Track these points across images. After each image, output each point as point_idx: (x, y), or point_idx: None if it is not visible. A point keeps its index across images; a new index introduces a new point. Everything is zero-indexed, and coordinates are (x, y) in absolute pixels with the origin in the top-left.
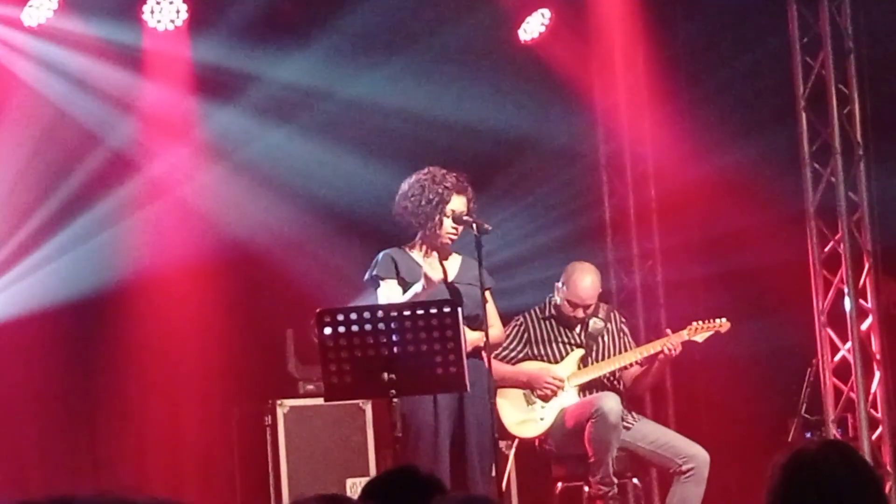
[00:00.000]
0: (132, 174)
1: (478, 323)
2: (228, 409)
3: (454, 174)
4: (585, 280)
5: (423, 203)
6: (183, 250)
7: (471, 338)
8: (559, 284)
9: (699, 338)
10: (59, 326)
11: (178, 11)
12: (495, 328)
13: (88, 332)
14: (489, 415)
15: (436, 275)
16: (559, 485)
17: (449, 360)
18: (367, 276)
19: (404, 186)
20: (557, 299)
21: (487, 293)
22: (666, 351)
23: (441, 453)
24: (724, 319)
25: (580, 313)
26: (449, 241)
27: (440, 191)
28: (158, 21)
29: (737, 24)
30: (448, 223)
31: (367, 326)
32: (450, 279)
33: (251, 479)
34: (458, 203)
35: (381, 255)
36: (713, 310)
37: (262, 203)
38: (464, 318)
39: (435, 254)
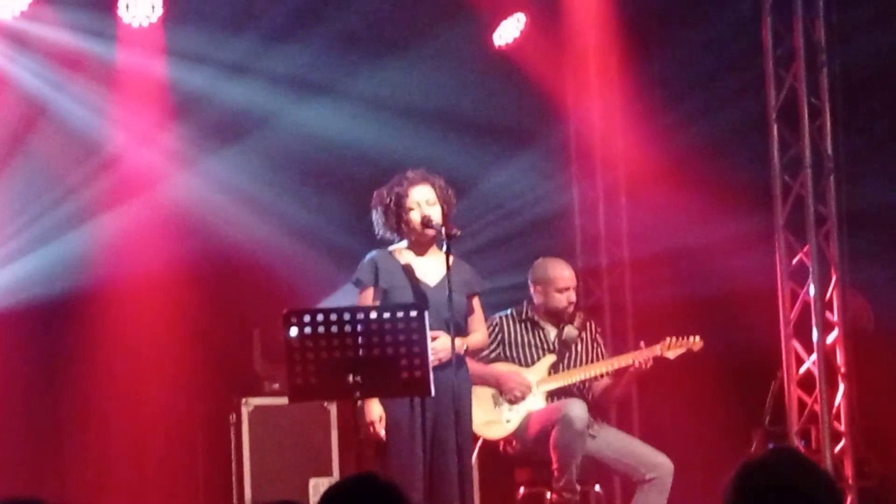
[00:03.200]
0: (101, 173)
1: (460, 330)
2: (193, 407)
3: (408, 170)
4: (559, 264)
5: (386, 215)
6: (151, 248)
7: (455, 345)
8: (535, 287)
9: (671, 354)
10: (23, 324)
11: (153, 7)
12: (479, 333)
13: (53, 328)
14: (467, 421)
15: (433, 278)
16: (521, 489)
17: (414, 363)
18: (353, 278)
19: (372, 214)
20: (536, 300)
21: (476, 298)
22: (637, 365)
23: (416, 455)
24: (697, 338)
25: (572, 296)
26: (430, 234)
27: (396, 190)
28: (133, 17)
29: (712, 43)
30: (416, 214)
31: (334, 328)
32: (436, 282)
33: (214, 477)
34: (420, 193)
35: (366, 258)
36: (680, 319)
37: (231, 202)
38: (451, 325)
39: (420, 257)
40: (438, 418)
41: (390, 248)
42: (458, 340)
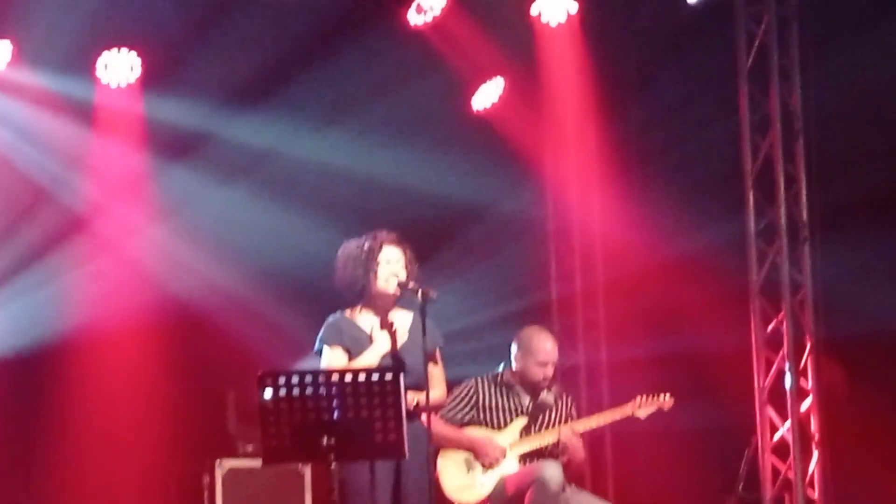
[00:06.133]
0: (79, 229)
1: (420, 389)
2: (167, 467)
3: (382, 230)
4: (546, 339)
5: (354, 266)
6: (127, 307)
7: (409, 398)
8: (517, 353)
9: (642, 414)
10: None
11: (131, 68)
12: (438, 390)
13: (29, 385)
14: (427, 481)
15: (383, 346)
16: None
17: (388, 426)
18: (317, 344)
19: (336, 262)
20: (515, 366)
21: (437, 351)
22: (606, 424)
23: None
24: (667, 395)
25: (549, 371)
26: (393, 292)
27: (369, 244)
28: (112, 77)
29: (688, 105)
30: (384, 270)
31: (309, 390)
32: (402, 340)
33: None
34: (392, 252)
35: (326, 322)
36: (656, 386)
37: (207, 263)
38: (408, 386)
39: (378, 320)
40: (400, 476)
41: (346, 312)
42: (410, 394)
